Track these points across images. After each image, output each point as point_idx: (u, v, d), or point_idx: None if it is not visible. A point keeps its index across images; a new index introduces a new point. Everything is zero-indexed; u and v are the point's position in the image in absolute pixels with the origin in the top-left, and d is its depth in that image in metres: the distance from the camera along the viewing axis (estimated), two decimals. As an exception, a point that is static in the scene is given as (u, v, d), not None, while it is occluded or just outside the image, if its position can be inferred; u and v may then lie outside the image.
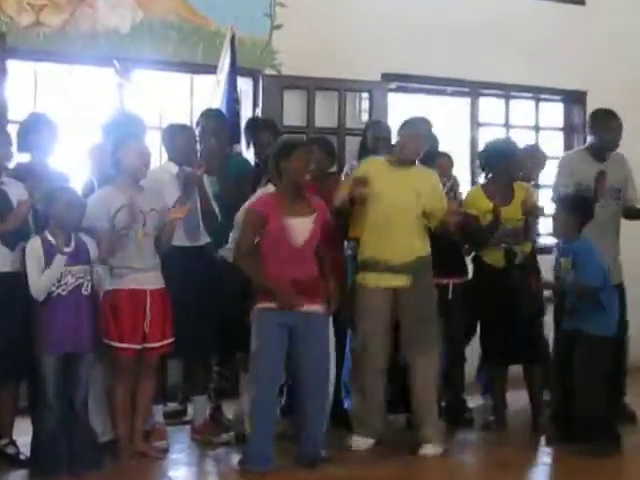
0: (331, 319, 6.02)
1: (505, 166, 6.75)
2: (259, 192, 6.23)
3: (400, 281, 6.10)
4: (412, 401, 6.19)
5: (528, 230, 6.73)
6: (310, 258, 5.76)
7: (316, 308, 5.73)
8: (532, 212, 6.68)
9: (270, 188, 6.12)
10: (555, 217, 6.45)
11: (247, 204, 6.03)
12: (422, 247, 6.20)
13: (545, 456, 6.36)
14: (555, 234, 6.53)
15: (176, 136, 6.36)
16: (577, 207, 6.36)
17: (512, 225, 6.62)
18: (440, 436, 6.16)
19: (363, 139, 7.58)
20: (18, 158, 6.15)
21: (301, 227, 5.70)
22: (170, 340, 5.93)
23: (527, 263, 6.70)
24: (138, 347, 5.81)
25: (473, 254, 6.95)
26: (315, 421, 5.76)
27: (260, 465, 5.59)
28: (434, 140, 7.03)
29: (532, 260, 6.82)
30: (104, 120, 6.65)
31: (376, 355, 6.12)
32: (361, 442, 6.17)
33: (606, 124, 7.07)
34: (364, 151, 7.36)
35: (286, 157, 5.74)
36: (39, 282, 5.45)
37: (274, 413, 5.86)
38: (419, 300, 6.09)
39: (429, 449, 6.06)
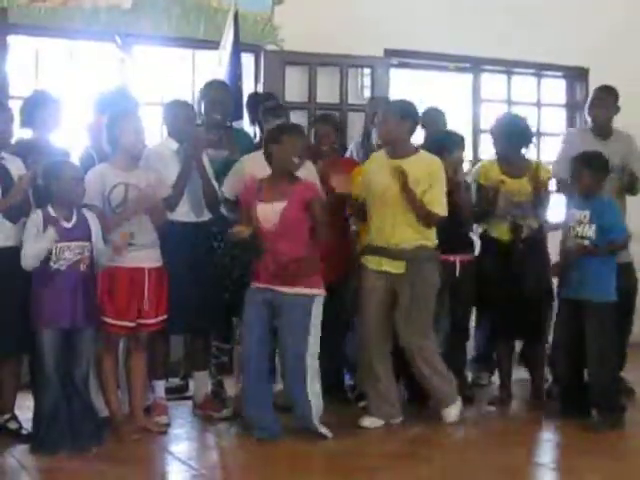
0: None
1: (517, 141, 6.79)
2: (253, 155, 6.37)
3: (396, 267, 6.12)
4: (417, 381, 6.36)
5: (537, 205, 6.74)
6: (292, 240, 5.75)
7: (295, 290, 5.74)
8: (541, 187, 6.71)
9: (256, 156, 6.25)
10: (576, 175, 6.44)
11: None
12: (423, 237, 6.17)
13: (553, 430, 6.42)
14: (578, 191, 6.49)
15: (177, 113, 6.34)
16: (598, 163, 6.42)
17: (521, 199, 6.65)
18: (454, 394, 6.31)
19: (365, 117, 7.59)
20: (21, 134, 6.15)
21: (269, 211, 5.75)
22: (164, 317, 5.97)
23: (534, 238, 6.70)
24: (132, 324, 5.85)
25: (480, 230, 6.98)
26: (298, 396, 5.84)
27: (264, 433, 5.81)
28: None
29: (540, 236, 6.81)
30: (97, 96, 6.60)
31: (378, 334, 6.18)
32: (369, 421, 6.20)
33: (595, 100, 7.19)
34: (365, 131, 7.39)
35: (275, 141, 5.80)
36: (28, 250, 5.45)
37: (264, 386, 5.93)
38: (414, 289, 6.09)
39: (452, 411, 6.27)
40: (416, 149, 6.28)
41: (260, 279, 5.83)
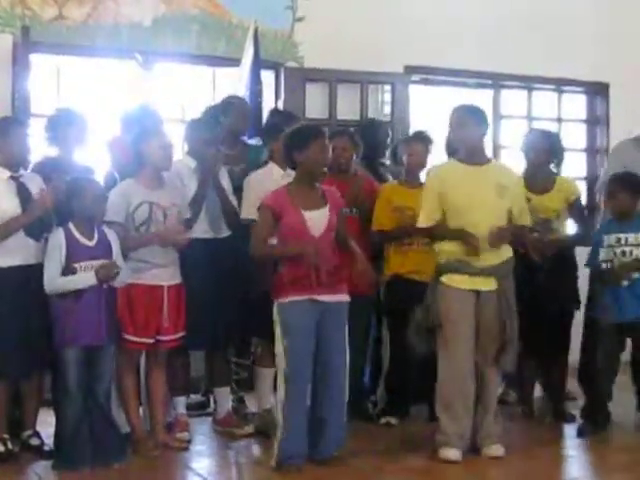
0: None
1: (545, 157, 6.75)
2: (260, 174, 6.34)
3: (487, 284, 5.78)
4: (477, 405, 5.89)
5: (576, 221, 6.81)
6: (329, 249, 5.51)
7: (338, 298, 5.54)
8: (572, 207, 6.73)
9: (273, 168, 6.29)
10: (613, 197, 6.44)
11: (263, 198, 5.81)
12: (508, 248, 5.88)
13: (578, 447, 6.37)
14: (613, 213, 6.50)
15: (197, 133, 6.32)
16: (634, 184, 6.40)
17: (546, 216, 6.60)
18: (500, 436, 5.96)
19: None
20: (46, 152, 6.22)
21: (317, 219, 5.50)
22: (182, 334, 5.97)
23: (562, 254, 6.64)
24: (151, 341, 5.85)
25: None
26: (335, 418, 5.60)
27: (297, 460, 5.51)
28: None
29: (568, 252, 6.79)
30: (123, 113, 6.66)
31: (465, 359, 5.77)
32: (451, 453, 5.74)
33: None
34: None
35: (302, 148, 5.48)
36: (54, 281, 5.46)
37: (306, 408, 5.58)
38: (501, 305, 5.80)
39: (498, 450, 5.82)
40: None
41: (299, 290, 5.44)
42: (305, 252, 5.38)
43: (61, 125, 6.11)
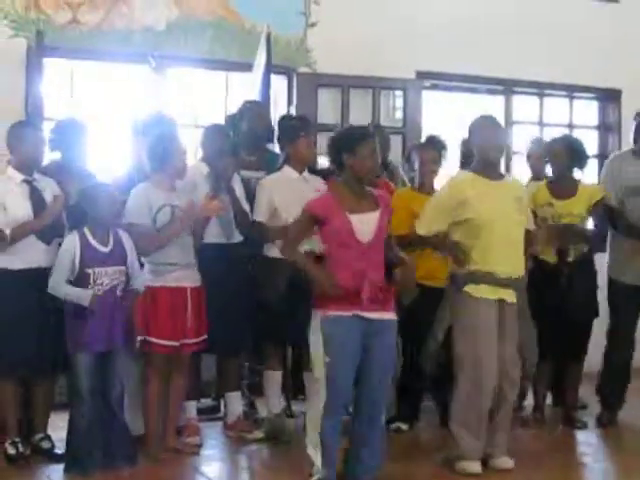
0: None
1: (569, 162, 6.74)
2: (274, 177, 6.36)
3: (510, 296, 5.67)
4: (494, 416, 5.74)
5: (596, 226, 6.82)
6: (379, 258, 5.16)
7: (389, 316, 5.17)
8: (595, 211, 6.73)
9: (288, 171, 6.30)
10: None
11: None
12: (522, 264, 5.81)
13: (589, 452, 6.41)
14: None
15: (212, 141, 6.34)
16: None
17: (570, 220, 6.61)
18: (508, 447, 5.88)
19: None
20: (49, 156, 6.23)
21: (366, 223, 5.13)
22: (204, 337, 5.97)
23: (582, 259, 6.67)
24: (177, 344, 5.85)
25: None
26: (374, 438, 5.23)
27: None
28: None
29: (588, 257, 6.78)
30: (138, 119, 6.66)
31: (492, 373, 5.58)
32: (473, 466, 5.63)
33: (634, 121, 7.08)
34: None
35: (351, 152, 5.14)
36: (57, 287, 5.46)
37: (339, 432, 5.22)
38: (519, 318, 5.75)
39: (507, 462, 5.71)
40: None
41: (343, 304, 5.02)
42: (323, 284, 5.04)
43: (63, 135, 6.15)
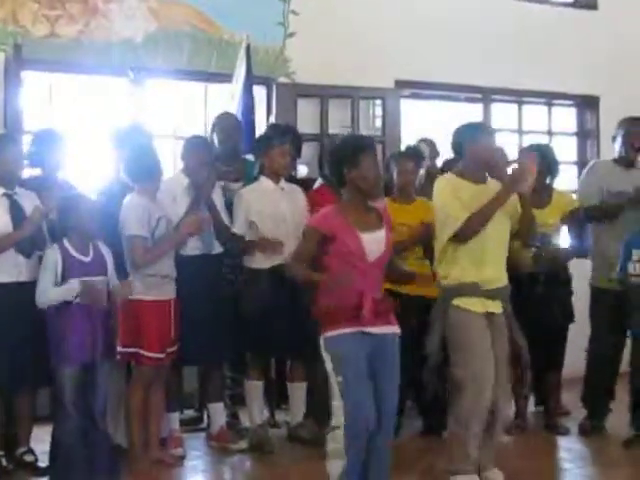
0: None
1: (545, 171, 6.74)
2: (251, 188, 6.38)
3: (498, 308, 5.53)
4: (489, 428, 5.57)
5: (571, 234, 6.86)
6: (379, 273, 4.96)
7: (393, 329, 4.97)
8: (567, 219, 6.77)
9: (264, 182, 6.32)
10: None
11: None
12: (506, 273, 5.68)
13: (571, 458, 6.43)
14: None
15: (194, 153, 6.32)
16: None
17: (545, 230, 6.53)
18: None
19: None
20: (29, 171, 6.24)
21: (375, 242, 4.90)
22: (177, 346, 6.00)
23: (557, 267, 6.69)
24: (163, 356, 5.87)
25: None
26: (384, 459, 4.95)
27: None
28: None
29: (563, 265, 6.80)
30: (113, 131, 6.64)
31: (490, 387, 5.40)
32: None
33: (621, 130, 7.06)
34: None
35: (352, 164, 4.87)
36: (48, 293, 5.43)
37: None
38: (511, 328, 5.64)
39: (498, 475, 5.58)
40: None
41: (347, 321, 4.81)
42: (345, 279, 4.80)
43: (42, 146, 6.15)
